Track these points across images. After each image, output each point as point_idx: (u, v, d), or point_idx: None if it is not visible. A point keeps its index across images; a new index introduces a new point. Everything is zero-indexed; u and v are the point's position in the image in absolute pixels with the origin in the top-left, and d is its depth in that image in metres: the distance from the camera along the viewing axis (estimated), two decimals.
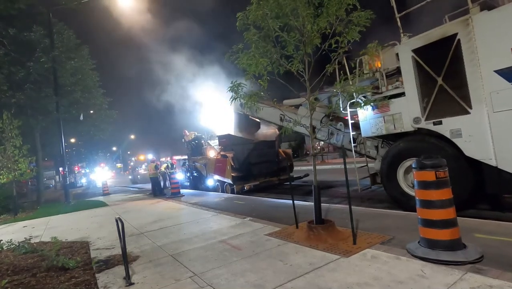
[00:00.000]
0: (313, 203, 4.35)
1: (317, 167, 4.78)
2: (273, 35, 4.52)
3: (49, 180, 34.94)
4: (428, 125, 5.46)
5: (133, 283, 3.35)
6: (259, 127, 12.98)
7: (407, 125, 5.82)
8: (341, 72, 4.74)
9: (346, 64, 6.05)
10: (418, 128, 5.66)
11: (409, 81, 5.66)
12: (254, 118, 11.98)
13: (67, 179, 16.65)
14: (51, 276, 3.85)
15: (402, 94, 5.88)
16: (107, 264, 4.14)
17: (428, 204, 3.16)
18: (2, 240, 5.71)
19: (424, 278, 2.71)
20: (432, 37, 5.27)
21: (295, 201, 5.06)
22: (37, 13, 15.11)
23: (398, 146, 5.98)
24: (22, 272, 4.08)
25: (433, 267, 2.90)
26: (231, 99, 4.81)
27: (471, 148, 4.95)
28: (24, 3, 13.47)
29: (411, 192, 5.76)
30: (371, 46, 4.84)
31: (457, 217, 3.14)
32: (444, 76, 5.16)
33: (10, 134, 11.26)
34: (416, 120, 5.61)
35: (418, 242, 3.33)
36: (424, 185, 3.18)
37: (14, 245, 5.42)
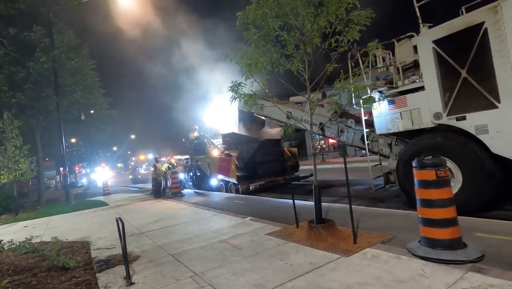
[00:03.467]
0: (313, 203, 4.35)
1: (318, 166, 4.77)
2: (273, 34, 4.51)
3: (49, 180, 34.98)
4: (451, 121, 5.13)
5: (134, 283, 3.35)
6: (264, 125, 12.80)
7: (427, 121, 5.45)
8: (342, 71, 4.65)
9: (359, 59, 5.71)
10: (439, 124, 5.33)
11: (430, 75, 5.31)
12: (259, 116, 11.70)
13: (68, 178, 16.66)
14: (52, 276, 3.85)
15: (420, 88, 5.55)
16: (107, 263, 4.15)
17: (428, 203, 3.15)
18: (3, 240, 5.72)
19: (425, 278, 2.70)
20: (456, 27, 4.92)
21: (295, 201, 5.06)
22: (37, 13, 15.10)
23: (424, 140, 5.57)
24: (23, 272, 4.09)
25: (433, 266, 2.90)
26: (231, 99, 4.81)
27: (498, 145, 4.61)
28: (24, 3, 13.47)
29: None
30: (371, 46, 4.71)
31: (458, 216, 3.14)
32: (469, 69, 4.83)
33: (10, 134, 11.27)
34: (437, 115, 5.26)
35: (419, 241, 3.33)
36: (425, 184, 3.18)
37: (15, 245, 5.43)
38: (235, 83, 4.74)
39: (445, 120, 5.21)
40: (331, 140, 29.38)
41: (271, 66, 4.58)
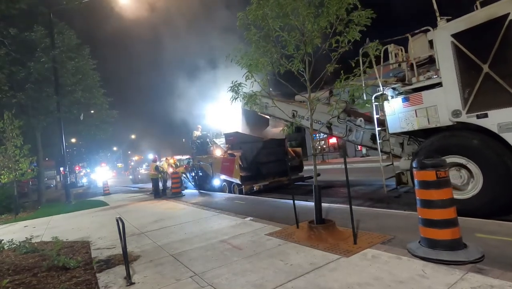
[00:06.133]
0: (313, 203, 4.35)
1: (318, 167, 4.77)
2: (274, 35, 4.52)
3: (50, 180, 35.03)
4: (471, 118, 4.85)
5: (134, 283, 3.35)
6: (268, 125, 12.55)
7: (444, 119, 5.19)
8: (342, 71, 4.60)
9: (372, 56, 5.40)
10: (457, 122, 5.08)
11: (448, 70, 5.06)
12: (263, 115, 11.41)
13: (68, 178, 16.67)
14: (52, 275, 3.85)
15: (437, 85, 5.33)
16: (108, 263, 4.15)
17: (428, 204, 3.15)
18: (3, 239, 5.72)
19: (425, 278, 2.70)
20: (477, 19, 4.68)
21: (296, 201, 5.05)
22: (38, 13, 15.13)
23: (454, 138, 5.22)
24: (23, 272, 4.08)
25: (434, 267, 2.90)
26: (232, 99, 4.82)
27: None
28: (25, 3, 13.50)
29: None
30: (371, 46, 4.65)
31: (458, 217, 3.14)
32: (492, 63, 4.59)
33: (11, 134, 11.28)
34: (456, 113, 5.01)
35: (419, 242, 3.33)
36: (425, 185, 3.18)
37: (15, 245, 5.43)
38: (235, 83, 4.75)
39: (465, 118, 4.94)
40: (331, 141, 29.41)
41: (271, 66, 4.58)
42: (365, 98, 5.90)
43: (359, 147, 24.15)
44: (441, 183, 3.09)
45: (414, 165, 3.30)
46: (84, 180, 40.31)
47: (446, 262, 2.91)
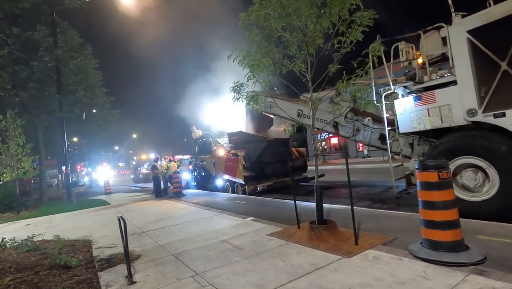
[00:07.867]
0: (314, 203, 4.35)
1: (319, 167, 4.76)
2: (276, 35, 4.52)
3: (51, 179, 35.05)
4: (487, 118, 4.70)
5: (135, 282, 3.36)
6: (272, 124, 12.46)
7: (458, 119, 5.03)
8: (344, 71, 4.55)
9: (383, 55, 5.29)
10: (472, 122, 4.92)
11: (463, 68, 4.91)
12: (268, 115, 11.33)
13: (70, 177, 16.71)
14: (53, 274, 3.87)
15: (450, 83, 5.19)
16: (109, 262, 4.16)
17: (430, 205, 3.15)
18: (5, 238, 5.75)
19: (426, 280, 2.70)
20: (495, 15, 4.51)
21: (297, 201, 5.05)
22: (41, 13, 15.18)
23: (478, 138, 4.98)
24: (25, 270, 4.10)
25: (435, 268, 2.89)
26: (234, 100, 4.83)
27: None
28: (29, 2, 13.53)
29: (458, 194, 4.92)
30: (374, 46, 4.59)
31: (460, 218, 3.13)
32: (510, 60, 4.45)
33: (13, 133, 11.33)
34: (471, 112, 4.85)
35: (421, 243, 3.32)
36: (427, 186, 3.17)
37: (17, 243, 5.46)
38: (237, 83, 4.75)
39: (481, 117, 4.78)
40: (332, 141, 29.38)
41: (273, 67, 4.58)
42: (374, 98, 5.78)
43: (360, 147, 24.16)
44: (443, 184, 3.08)
45: (416, 166, 3.29)
46: (86, 179, 40.42)
47: (448, 264, 2.90)
